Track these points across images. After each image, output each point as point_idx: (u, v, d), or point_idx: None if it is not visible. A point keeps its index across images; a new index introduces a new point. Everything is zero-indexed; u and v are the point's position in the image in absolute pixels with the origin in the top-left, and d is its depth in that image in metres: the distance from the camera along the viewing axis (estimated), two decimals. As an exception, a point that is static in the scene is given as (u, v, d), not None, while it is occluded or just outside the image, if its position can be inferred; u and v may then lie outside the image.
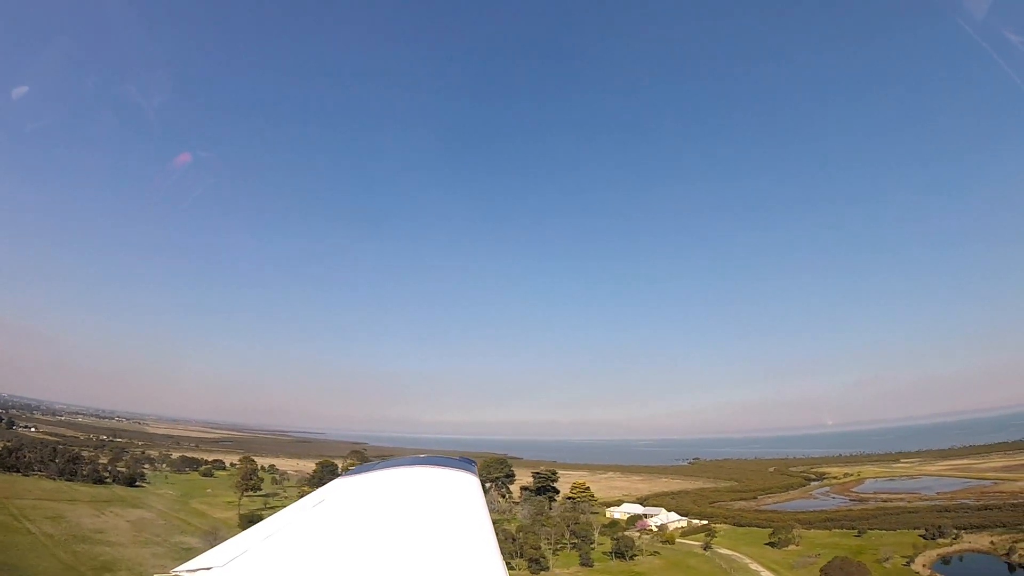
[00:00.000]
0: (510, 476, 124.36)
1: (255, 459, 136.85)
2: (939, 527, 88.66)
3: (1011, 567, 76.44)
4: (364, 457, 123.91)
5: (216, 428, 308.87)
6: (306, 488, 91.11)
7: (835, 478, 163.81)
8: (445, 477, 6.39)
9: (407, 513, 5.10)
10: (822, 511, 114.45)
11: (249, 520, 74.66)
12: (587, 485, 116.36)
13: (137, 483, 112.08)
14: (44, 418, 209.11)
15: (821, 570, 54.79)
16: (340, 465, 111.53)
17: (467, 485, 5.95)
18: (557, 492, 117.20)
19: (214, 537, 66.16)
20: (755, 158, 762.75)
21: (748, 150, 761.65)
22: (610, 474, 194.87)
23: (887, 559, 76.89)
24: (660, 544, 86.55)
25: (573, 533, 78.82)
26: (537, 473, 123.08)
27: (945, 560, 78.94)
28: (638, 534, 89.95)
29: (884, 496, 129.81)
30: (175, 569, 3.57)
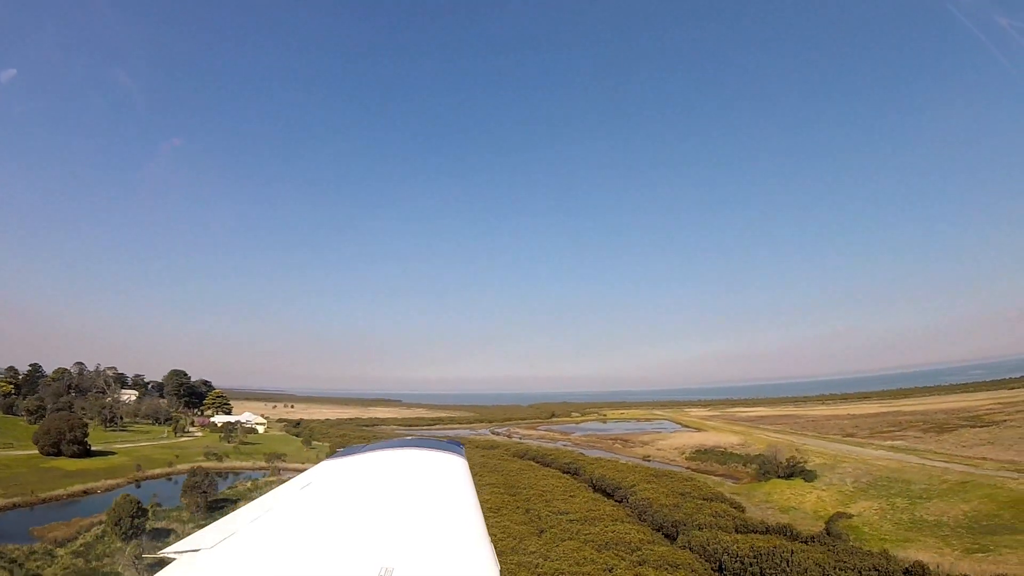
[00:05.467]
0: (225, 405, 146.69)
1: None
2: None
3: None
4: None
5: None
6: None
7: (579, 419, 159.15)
8: (432, 459, 6.48)
9: (395, 495, 5.15)
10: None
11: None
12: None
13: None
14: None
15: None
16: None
17: (454, 467, 6.02)
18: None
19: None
20: (732, 118, 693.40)
21: (729, 116, 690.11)
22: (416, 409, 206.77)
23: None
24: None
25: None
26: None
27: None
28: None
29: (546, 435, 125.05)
30: (163, 551, 3.63)
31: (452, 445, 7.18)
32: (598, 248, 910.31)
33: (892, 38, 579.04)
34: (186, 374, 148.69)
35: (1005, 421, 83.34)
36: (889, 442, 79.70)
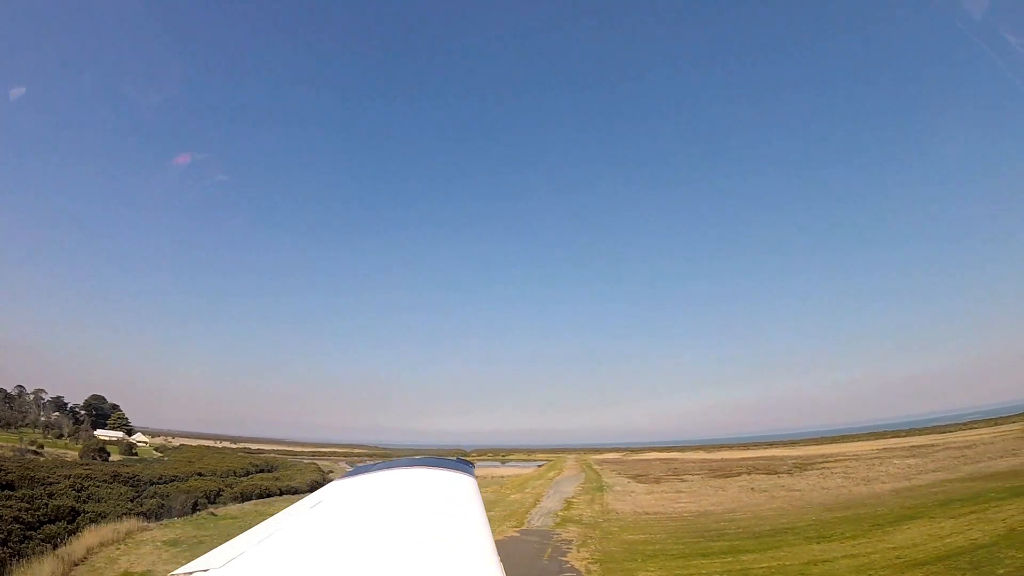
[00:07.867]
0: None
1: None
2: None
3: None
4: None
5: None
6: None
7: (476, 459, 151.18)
8: (442, 478, 6.44)
9: (404, 514, 5.09)
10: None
11: None
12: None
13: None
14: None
15: None
16: None
17: (463, 486, 6.02)
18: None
19: None
20: (749, 153, 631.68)
21: (743, 145, 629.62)
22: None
23: None
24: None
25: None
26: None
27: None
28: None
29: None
30: (172, 573, 3.55)
31: (461, 464, 7.18)
32: (614, 294, 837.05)
33: (908, 59, 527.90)
34: (103, 398, 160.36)
35: (818, 470, 68.10)
36: (647, 484, 68.19)
